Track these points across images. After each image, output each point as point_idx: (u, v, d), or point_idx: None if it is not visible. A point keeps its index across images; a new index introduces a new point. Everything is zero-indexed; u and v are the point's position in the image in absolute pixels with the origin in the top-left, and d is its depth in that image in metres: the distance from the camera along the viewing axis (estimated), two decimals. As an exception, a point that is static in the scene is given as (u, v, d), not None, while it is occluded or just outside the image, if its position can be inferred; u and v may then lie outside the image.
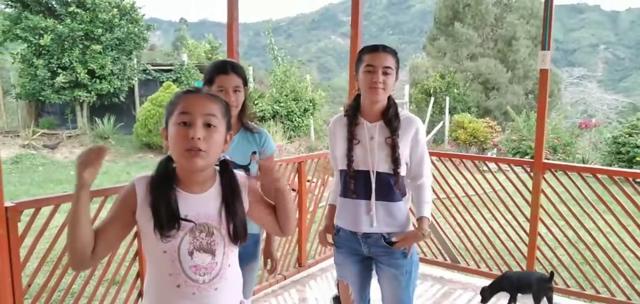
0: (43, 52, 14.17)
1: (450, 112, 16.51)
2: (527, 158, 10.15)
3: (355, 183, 2.14)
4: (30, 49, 14.33)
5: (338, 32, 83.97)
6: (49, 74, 14.20)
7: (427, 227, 2.13)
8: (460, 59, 22.48)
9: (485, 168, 4.35)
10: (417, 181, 2.18)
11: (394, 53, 2.12)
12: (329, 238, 2.33)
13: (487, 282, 3.57)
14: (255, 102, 14.60)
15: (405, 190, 2.19)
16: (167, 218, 1.33)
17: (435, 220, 4.37)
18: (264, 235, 2.37)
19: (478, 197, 4.22)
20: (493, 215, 4.09)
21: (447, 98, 17.03)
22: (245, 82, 2.18)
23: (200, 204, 1.40)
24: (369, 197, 2.12)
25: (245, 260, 1.76)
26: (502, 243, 4.10)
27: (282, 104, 15.12)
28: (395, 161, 2.09)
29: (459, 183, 4.27)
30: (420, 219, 2.13)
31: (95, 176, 1.30)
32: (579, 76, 31.69)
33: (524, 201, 3.90)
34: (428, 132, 15.33)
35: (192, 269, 1.38)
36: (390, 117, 2.11)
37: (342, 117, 2.22)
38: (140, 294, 2.89)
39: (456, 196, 4.29)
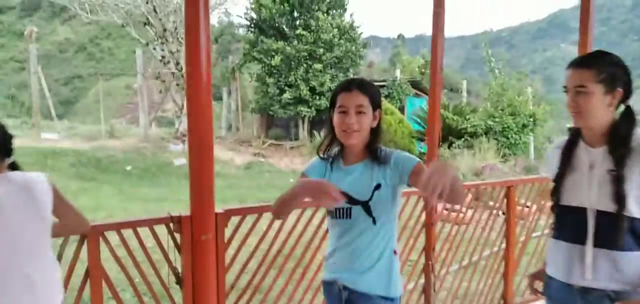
0: (273, 71, 16.04)
1: None
2: None
3: (564, 222, 1.78)
4: (264, 69, 16.41)
5: (569, 40, 76.53)
6: (277, 91, 16.01)
7: None
8: None
9: None
10: None
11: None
12: (539, 286, 1.98)
13: None
14: (467, 117, 14.06)
15: None
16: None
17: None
18: None
19: None
20: None
21: None
22: (377, 105, 1.84)
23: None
24: (583, 242, 1.72)
25: None
26: None
27: (496, 119, 14.21)
28: (618, 198, 1.64)
29: None
30: None
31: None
32: None
33: None
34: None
35: None
36: (617, 142, 1.67)
37: (564, 140, 1.87)
38: None
39: None
